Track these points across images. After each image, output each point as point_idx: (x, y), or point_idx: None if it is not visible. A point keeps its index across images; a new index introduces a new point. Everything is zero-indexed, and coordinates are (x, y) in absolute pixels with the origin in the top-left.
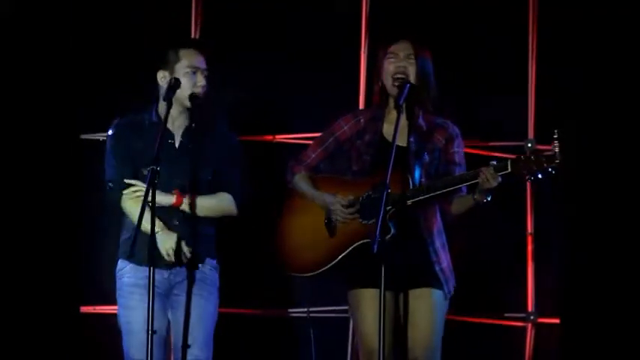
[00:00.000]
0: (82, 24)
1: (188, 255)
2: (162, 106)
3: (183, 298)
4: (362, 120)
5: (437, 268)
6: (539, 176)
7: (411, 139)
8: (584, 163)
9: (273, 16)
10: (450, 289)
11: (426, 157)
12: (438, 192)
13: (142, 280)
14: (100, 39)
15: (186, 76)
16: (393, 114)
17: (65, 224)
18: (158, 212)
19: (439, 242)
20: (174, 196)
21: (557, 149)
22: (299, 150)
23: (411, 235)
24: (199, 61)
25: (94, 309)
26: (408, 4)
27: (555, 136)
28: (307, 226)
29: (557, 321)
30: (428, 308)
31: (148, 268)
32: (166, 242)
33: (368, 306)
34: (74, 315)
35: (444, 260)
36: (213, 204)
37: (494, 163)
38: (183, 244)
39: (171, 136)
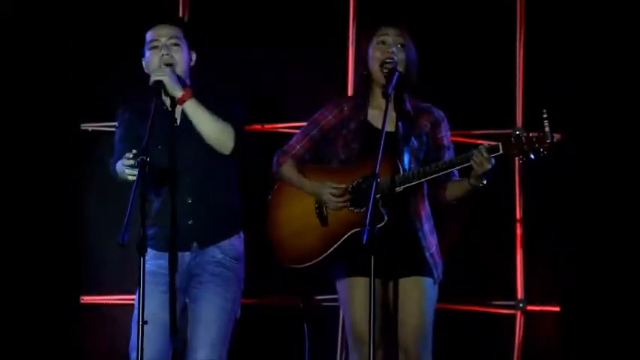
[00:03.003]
0: (83, 11)
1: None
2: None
3: (198, 292)
4: (345, 108)
5: (427, 254)
6: (532, 157)
7: (399, 124)
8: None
9: (262, 2)
10: (438, 274)
11: (414, 142)
12: (429, 177)
13: (156, 268)
14: (100, 24)
15: (152, 52)
16: (378, 100)
17: (67, 213)
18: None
19: (428, 227)
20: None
21: (547, 129)
22: (289, 139)
23: (401, 221)
24: (160, 34)
25: (95, 299)
26: None
27: (545, 116)
28: (297, 217)
29: (546, 308)
30: (418, 297)
31: (166, 254)
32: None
33: (358, 295)
34: (75, 305)
35: (432, 245)
36: (214, 118)
37: (486, 145)
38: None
39: (171, 115)
